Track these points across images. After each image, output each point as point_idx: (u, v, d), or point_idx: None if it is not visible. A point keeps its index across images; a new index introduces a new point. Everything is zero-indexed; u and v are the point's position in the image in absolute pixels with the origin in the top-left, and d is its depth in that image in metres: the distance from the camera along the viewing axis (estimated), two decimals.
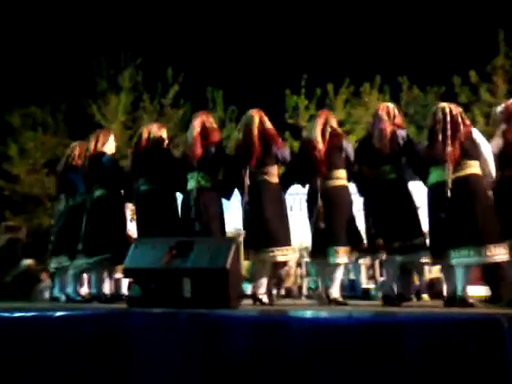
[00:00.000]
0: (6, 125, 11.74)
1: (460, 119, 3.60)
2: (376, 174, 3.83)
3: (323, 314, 2.48)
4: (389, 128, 3.84)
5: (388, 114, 3.94)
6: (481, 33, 10.56)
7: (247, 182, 3.88)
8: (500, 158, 3.64)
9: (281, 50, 12.66)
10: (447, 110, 3.63)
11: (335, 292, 3.82)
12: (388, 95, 11.74)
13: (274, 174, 3.95)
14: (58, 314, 2.56)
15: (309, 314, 2.42)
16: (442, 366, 2.03)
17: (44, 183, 11.57)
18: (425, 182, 3.72)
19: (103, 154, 4.51)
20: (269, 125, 4.02)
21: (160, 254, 2.97)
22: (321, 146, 3.89)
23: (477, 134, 3.60)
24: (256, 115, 4.01)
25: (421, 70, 11.34)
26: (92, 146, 4.51)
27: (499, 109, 3.95)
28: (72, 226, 4.44)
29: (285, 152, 4.03)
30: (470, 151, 3.50)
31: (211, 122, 4.18)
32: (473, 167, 3.49)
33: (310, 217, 3.96)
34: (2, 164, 11.56)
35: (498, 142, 3.72)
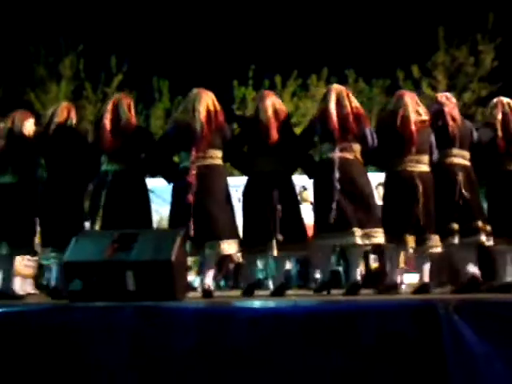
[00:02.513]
0: None
1: None
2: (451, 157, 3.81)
3: (269, 303, 2.49)
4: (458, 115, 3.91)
5: (449, 100, 3.95)
6: (422, 29, 10.90)
7: (337, 155, 3.58)
8: None
9: (228, 40, 12.59)
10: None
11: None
12: None
13: (359, 151, 3.68)
14: None
15: (255, 304, 2.42)
16: (385, 352, 2.07)
17: None
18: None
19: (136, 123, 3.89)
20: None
21: (102, 246, 2.88)
22: (413, 126, 3.65)
23: None
24: (343, 90, 3.81)
25: (367, 63, 11.58)
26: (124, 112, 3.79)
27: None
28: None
29: (371, 132, 3.73)
30: None
31: (280, 103, 3.90)
32: None
33: (392, 203, 3.71)
34: None
35: None
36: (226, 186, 3.74)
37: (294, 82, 11.90)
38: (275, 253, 3.56)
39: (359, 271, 3.66)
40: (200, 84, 3.91)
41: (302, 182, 5.80)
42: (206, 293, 3.48)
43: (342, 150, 3.60)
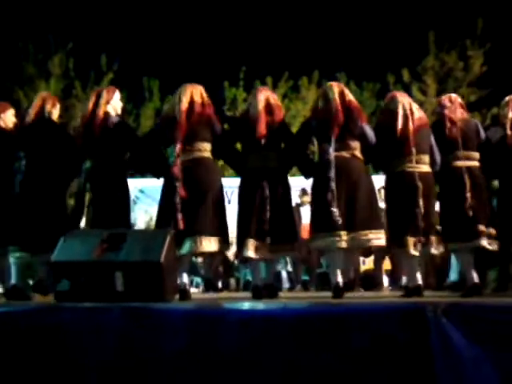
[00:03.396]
0: None
1: None
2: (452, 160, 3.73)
3: (259, 305, 2.48)
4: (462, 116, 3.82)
5: (451, 101, 3.86)
6: (413, 34, 10.99)
7: (332, 155, 3.45)
8: None
9: (219, 41, 12.58)
10: None
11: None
12: None
13: (359, 149, 3.55)
14: None
15: (244, 306, 2.41)
16: (375, 355, 2.07)
17: None
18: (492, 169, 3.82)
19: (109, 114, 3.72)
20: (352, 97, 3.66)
21: (90, 246, 2.85)
22: (411, 124, 3.56)
23: None
24: (334, 85, 3.66)
25: (358, 66, 11.64)
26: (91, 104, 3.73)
27: None
28: None
29: (369, 128, 3.63)
30: None
31: (275, 98, 3.80)
32: None
33: (393, 205, 3.62)
34: None
35: None
36: (216, 180, 3.61)
37: (285, 84, 11.91)
38: (251, 254, 3.43)
39: (342, 273, 3.52)
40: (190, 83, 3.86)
41: (303, 185, 5.73)
42: (182, 293, 3.30)
43: (338, 149, 3.48)
